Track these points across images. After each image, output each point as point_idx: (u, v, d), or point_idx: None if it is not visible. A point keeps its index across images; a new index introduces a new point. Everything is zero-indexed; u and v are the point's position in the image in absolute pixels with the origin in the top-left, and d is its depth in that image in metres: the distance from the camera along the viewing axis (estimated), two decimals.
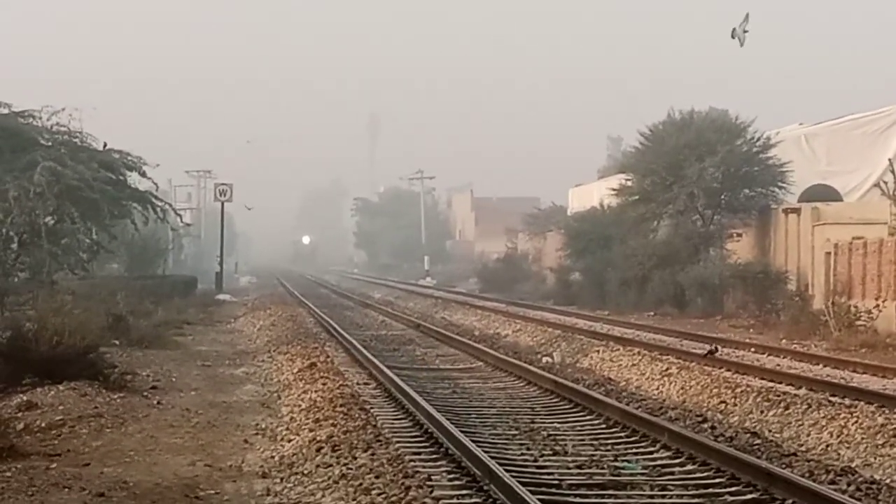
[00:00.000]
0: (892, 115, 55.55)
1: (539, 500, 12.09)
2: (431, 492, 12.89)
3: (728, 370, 28.29)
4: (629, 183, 58.91)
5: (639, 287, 53.61)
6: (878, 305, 36.98)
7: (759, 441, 18.27)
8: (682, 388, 25.93)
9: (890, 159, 48.41)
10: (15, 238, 38.29)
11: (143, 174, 45.40)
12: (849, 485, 14.26)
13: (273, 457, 16.72)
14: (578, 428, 20.02)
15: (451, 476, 14.52)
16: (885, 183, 45.24)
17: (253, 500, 13.55)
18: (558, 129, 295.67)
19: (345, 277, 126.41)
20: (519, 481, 13.05)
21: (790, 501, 12.82)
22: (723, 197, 52.70)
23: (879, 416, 19.71)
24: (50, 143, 41.37)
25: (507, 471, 13.77)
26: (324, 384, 24.81)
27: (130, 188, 45.78)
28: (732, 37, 35.43)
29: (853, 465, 16.54)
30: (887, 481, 15.14)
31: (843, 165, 56.51)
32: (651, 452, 16.89)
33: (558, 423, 20.65)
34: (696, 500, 13.48)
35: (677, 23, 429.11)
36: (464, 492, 13.57)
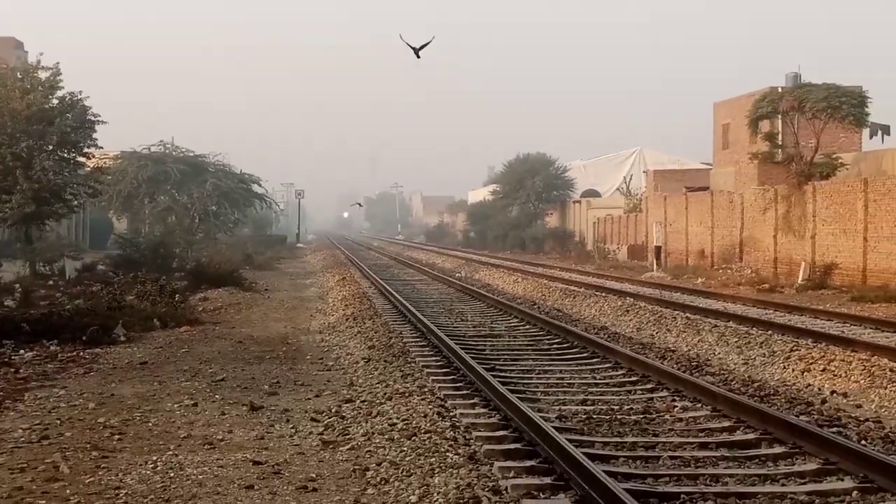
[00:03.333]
0: (623, 155, 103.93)
1: (453, 341, 18.92)
2: (402, 338, 20.68)
3: (546, 279, 41.99)
4: (498, 189, 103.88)
5: (503, 239, 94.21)
6: (617, 247, 66.10)
7: (561, 314, 27.92)
8: (524, 288, 39.45)
9: (624, 177, 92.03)
10: (196, 217, 66.44)
11: (259, 184, 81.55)
12: (605, 335, 22.28)
13: (324, 323, 25.39)
14: (473, 309, 29.76)
15: (412, 331, 22.63)
16: (619, 189, 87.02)
17: (314, 343, 21.33)
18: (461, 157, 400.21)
19: (361, 235, 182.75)
20: (444, 332, 20.84)
21: (576, 342, 20.05)
22: (543, 195, 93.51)
23: (619, 300, 29.54)
24: (213, 170, 71.19)
25: (438, 328, 21.67)
26: (348, 287, 37.24)
27: (253, 192, 79.45)
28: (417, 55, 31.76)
29: (607, 325, 24.95)
30: (620, 330, 23.46)
31: (601, 180, 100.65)
32: (508, 320, 26.02)
33: (464, 306, 30.67)
34: (529, 341, 21.16)
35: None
36: (418, 338, 21.26)
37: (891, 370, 15.81)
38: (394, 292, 32.94)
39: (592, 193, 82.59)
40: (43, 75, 37.26)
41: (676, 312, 25.80)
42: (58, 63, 37.44)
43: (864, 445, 10.70)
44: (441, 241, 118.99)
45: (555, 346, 20.15)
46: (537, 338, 21.51)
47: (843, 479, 9.62)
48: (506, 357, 18.40)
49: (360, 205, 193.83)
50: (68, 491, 9.40)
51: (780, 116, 47.52)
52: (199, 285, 34.80)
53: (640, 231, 61.93)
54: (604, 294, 32.31)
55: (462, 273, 50.69)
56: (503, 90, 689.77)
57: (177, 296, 29.28)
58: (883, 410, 13.66)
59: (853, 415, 13.28)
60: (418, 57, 32.37)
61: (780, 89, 47.91)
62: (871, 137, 49.91)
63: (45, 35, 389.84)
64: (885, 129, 50.96)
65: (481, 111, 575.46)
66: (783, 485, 9.66)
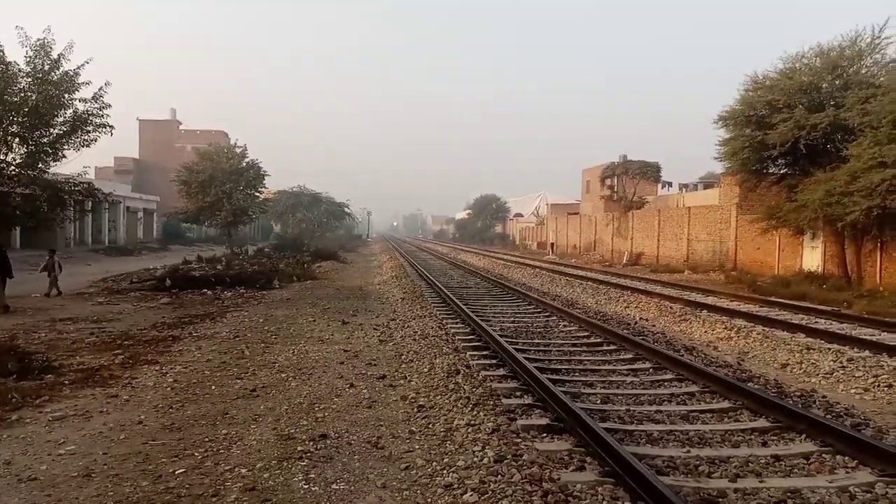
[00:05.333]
0: (535, 195, 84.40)
1: (446, 290, 19.03)
2: (420, 288, 20.40)
3: (494, 258, 41.91)
4: (470, 212, 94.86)
5: (472, 239, 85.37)
6: (531, 243, 62.33)
7: (502, 276, 26.69)
8: (483, 263, 37.56)
9: (536, 206, 79.46)
10: (315, 224, 64.96)
11: (348, 207, 73.90)
12: (524, 287, 21.57)
13: (380, 281, 24.74)
14: (457, 273, 28.99)
15: (425, 285, 21.90)
16: (533, 213, 77.93)
17: (375, 290, 20.96)
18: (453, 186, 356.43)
19: (400, 235, 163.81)
20: (441, 285, 20.60)
21: (509, 290, 19.80)
22: (494, 215, 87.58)
23: (531, 270, 29.07)
24: (324, 199, 68.68)
25: (438, 283, 21.40)
26: (394, 261, 35.91)
27: (344, 211, 73.25)
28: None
29: (525, 282, 24.43)
30: (532, 284, 22.71)
31: (524, 208, 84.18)
32: (474, 279, 25.02)
33: (452, 272, 29.74)
34: (485, 290, 20.51)
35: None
36: (428, 288, 20.70)
37: (670, 308, 15.94)
38: (416, 264, 33.06)
39: (519, 215, 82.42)
40: (238, 150, 37.35)
41: (561, 277, 25.63)
42: (245, 144, 37.58)
43: (657, 345, 10.59)
44: (441, 239, 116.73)
45: (499, 292, 20.00)
46: (489, 288, 21.29)
47: (645, 362, 9.66)
48: (474, 298, 18.29)
49: (395, 224, 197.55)
50: (249, 363, 9.48)
51: (616, 177, 47.88)
52: (317, 260, 34.46)
53: (543, 234, 61.73)
54: (524, 267, 32.16)
55: (451, 255, 49.71)
56: (467, 142, 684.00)
57: (305, 265, 29.36)
58: (665, 327, 13.78)
59: (650, 329, 13.35)
60: None
61: (615, 163, 48.02)
62: (662, 188, 49.99)
63: (237, 125, 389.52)
64: (669, 184, 51.18)
65: (460, 156, 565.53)
66: (614, 364, 9.64)
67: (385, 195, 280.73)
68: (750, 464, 5.62)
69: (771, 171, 23.97)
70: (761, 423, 6.73)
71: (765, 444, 6.16)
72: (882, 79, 20.64)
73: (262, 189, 41.22)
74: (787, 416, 6.68)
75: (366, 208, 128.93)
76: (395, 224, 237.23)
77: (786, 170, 23.47)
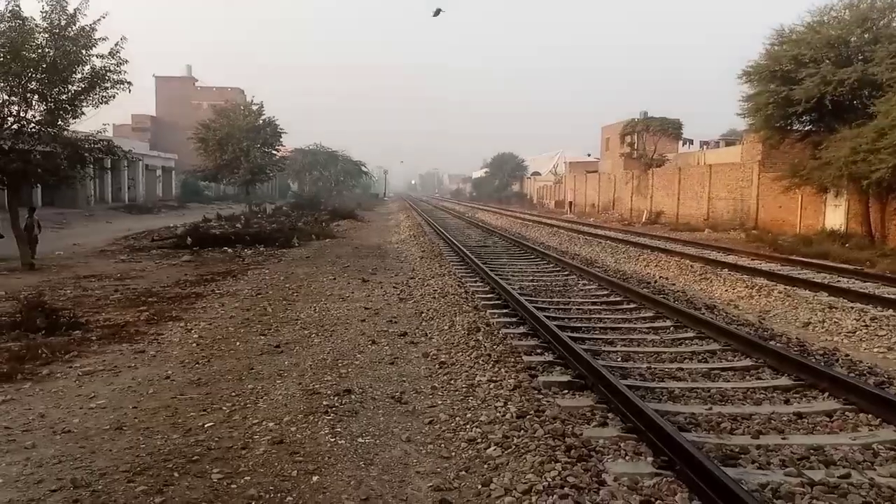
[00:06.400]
0: (553, 153, 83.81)
1: (465, 248, 18.85)
2: (438, 247, 20.33)
3: (512, 217, 41.85)
4: (488, 170, 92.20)
5: (489, 197, 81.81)
6: (549, 202, 60.21)
7: (520, 235, 26.38)
8: (501, 222, 36.80)
9: (554, 165, 77.94)
10: (333, 183, 67.13)
11: (364, 166, 77.05)
12: (542, 246, 21.34)
13: (398, 238, 24.89)
14: (474, 232, 28.99)
15: (444, 243, 21.89)
16: (551, 171, 75.97)
17: (394, 249, 20.94)
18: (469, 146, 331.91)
19: (417, 194, 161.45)
20: (460, 243, 20.43)
21: (528, 249, 19.62)
22: (511, 174, 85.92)
23: (549, 229, 29.19)
24: (341, 158, 69.18)
25: (456, 241, 21.28)
26: (411, 220, 35.80)
27: (361, 170, 76.43)
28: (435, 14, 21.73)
29: (544, 241, 24.18)
30: (550, 244, 22.60)
31: (541, 166, 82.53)
32: (493, 238, 24.86)
33: (469, 230, 29.75)
34: (504, 249, 20.35)
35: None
36: (446, 246, 20.58)
37: (690, 266, 15.86)
38: (433, 222, 33.04)
39: (536, 173, 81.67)
40: (254, 107, 37.22)
41: (579, 235, 25.55)
42: (261, 101, 37.48)
43: (678, 303, 10.62)
44: (458, 198, 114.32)
45: (518, 251, 19.89)
46: (507, 247, 21.18)
47: (665, 320, 9.62)
48: (492, 257, 18.23)
49: (414, 182, 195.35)
50: (272, 320, 9.58)
51: (636, 134, 47.24)
52: (334, 219, 34.61)
53: (561, 193, 61.25)
54: (542, 226, 32.03)
55: (469, 214, 49.35)
56: (488, 101, 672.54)
57: (323, 223, 29.50)
58: (686, 286, 13.73)
59: (670, 287, 13.30)
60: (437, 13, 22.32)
61: (636, 119, 47.36)
62: (683, 145, 49.34)
63: (255, 83, 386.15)
64: (690, 141, 50.57)
65: (475, 116, 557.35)
66: (634, 322, 9.66)
67: (402, 154, 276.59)
68: (772, 421, 5.61)
69: (795, 127, 23.59)
70: (783, 381, 6.71)
71: (787, 402, 6.15)
72: None
73: (280, 147, 41.20)
74: (809, 374, 6.66)
75: (382, 166, 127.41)
76: (413, 182, 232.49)
77: (810, 126, 23.08)
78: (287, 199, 62.12)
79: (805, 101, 20.91)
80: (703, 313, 10.12)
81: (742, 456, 4.88)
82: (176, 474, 4.39)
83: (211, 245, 19.99)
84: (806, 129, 23.35)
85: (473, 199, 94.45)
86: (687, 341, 8.48)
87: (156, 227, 26.80)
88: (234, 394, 6.14)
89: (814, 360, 7.33)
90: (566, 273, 15.00)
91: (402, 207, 62.24)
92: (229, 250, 19.39)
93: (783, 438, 5.24)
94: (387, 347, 8.00)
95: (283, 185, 75.11)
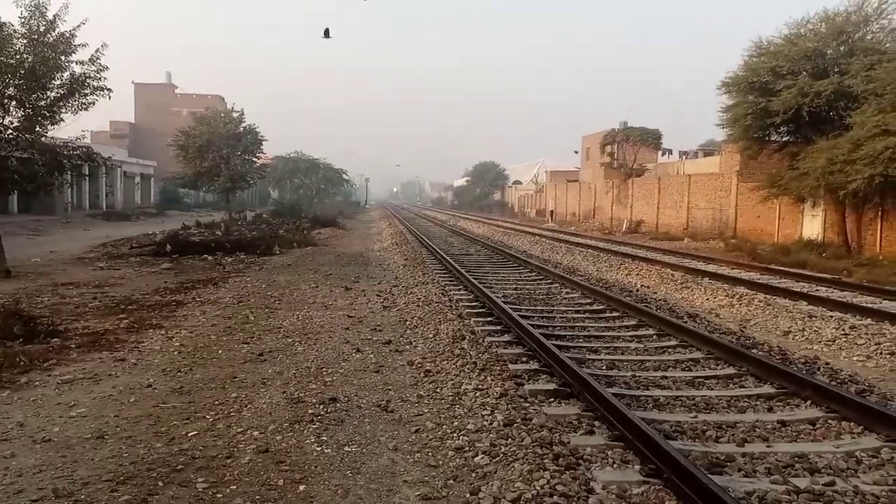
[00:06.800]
0: (535, 162, 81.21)
1: (448, 256, 18.86)
2: (421, 255, 20.20)
3: (493, 226, 42.74)
4: (469, 179, 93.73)
5: (471, 206, 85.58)
6: (530, 210, 61.98)
7: (503, 244, 26.57)
8: (483, 231, 37.39)
9: (534, 174, 75.45)
10: (314, 190, 66.88)
11: (346, 173, 76.06)
12: (525, 255, 21.40)
13: (381, 246, 24.84)
14: (457, 240, 29.01)
15: (426, 251, 21.67)
16: (532, 180, 74.37)
17: (376, 256, 20.87)
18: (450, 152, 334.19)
19: (399, 202, 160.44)
20: (443, 252, 20.38)
21: (510, 258, 19.80)
22: (492, 182, 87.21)
23: (531, 237, 29.27)
24: (322, 166, 69.90)
25: (439, 249, 21.19)
26: (393, 228, 35.71)
27: (343, 178, 75.45)
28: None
29: (526, 250, 24.17)
30: (533, 252, 22.65)
31: (523, 175, 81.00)
32: (475, 246, 24.80)
33: (452, 239, 29.83)
34: (486, 257, 20.39)
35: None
36: (429, 255, 20.47)
37: (671, 275, 15.98)
38: (415, 230, 33.01)
39: (517, 182, 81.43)
40: (235, 114, 37.03)
41: (561, 244, 25.59)
42: (242, 108, 37.28)
43: (660, 312, 10.63)
44: (440, 206, 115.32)
45: (500, 260, 19.93)
46: (490, 255, 21.22)
47: (648, 328, 9.67)
48: (475, 265, 18.23)
49: (395, 190, 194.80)
50: (254, 328, 9.49)
51: (616, 144, 47.64)
52: (316, 226, 34.36)
53: (542, 202, 61.63)
54: (523, 234, 32.13)
55: (451, 223, 49.51)
56: (465, 109, 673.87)
57: (304, 231, 29.37)
58: (667, 294, 13.81)
59: (652, 296, 13.39)
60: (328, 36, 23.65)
61: (616, 130, 47.81)
62: (662, 155, 49.80)
63: (232, 90, 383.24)
64: (670, 152, 51.04)
65: (459, 123, 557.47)
66: (618, 331, 9.70)
67: (382, 162, 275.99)
68: (756, 429, 5.66)
69: (773, 138, 23.90)
70: (766, 389, 6.77)
71: (770, 410, 6.21)
72: (888, 45, 20.48)
73: (260, 154, 41.00)
74: (792, 383, 6.73)
75: (363, 174, 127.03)
76: (395, 190, 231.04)
77: (788, 137, 23.40)
78: (267, 206, 61.77)
79: (783, 112, 21.20)
80: (686, 322, 10.19)
81: (728, 464, 4.91)
82: (160, 484, 4.32)
83: (191, 252, 19.78)
84: (783, 139, 23.67)
85: (455, 208, 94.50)
86: (670, 349, 8.54)
87: (134, 235, 26.49)
88: (217, 402, 6.07)
89: (795, 369, 7.40)
90: (549, 281, 15.03)
91: (383, 215, 62.17)
92: (209, 258, 19.20)
93: (768, 446, 5.27)
94: (371, 356, 7.96)
95: (264, 192, 74.71)
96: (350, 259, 20.02)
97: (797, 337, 9.91)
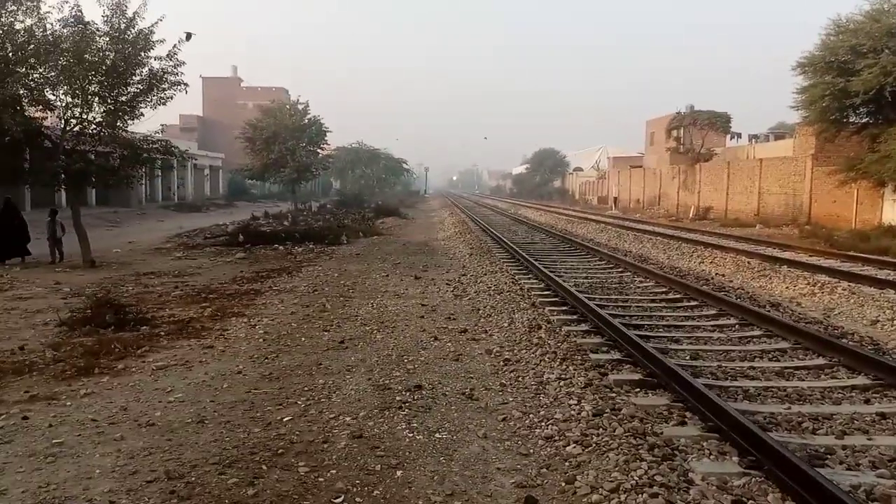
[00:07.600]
0: (595, 148, 79.31)
1: (514, 245, 18.86)
2: (486, 244, 20.17)
3: (556, 214, 41.29)
4: (528, 166, 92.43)
5: (530, 194, 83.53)
6: (591, 198, 60.35)
7: (567, 231, 26.23)
8: (545, 219, 36.53)
9: (596, 160, 74.29)
10: (375, 180, 67.95)
11: (406, 163, 77.84)
12: (592, 242, 21.14)
13: (444, 236, 24.71)
14: (520, 229, 28.82)
15: (491, 240, 21.62)
16: (593, 167, 73.12)
17: (441, 245, 20.96)
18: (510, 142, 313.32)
19: (457, 191, 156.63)
20: (508, 240, 20.36)
21: (578, 246, 19.57)
22: (552, 169, 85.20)
23: (596, 225, 28.72)
24: (383, 156, 71.11)
25: (504, 238, 21.15)
26: (455, 217, 35.51)
27: (403, 167, 77.38)
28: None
29: (591, 237, 23.87)
30: (599, 240, 22.31)
31: (584, 162, 79.67)
32: (539, 235, 24.63)
33: (515, 227, 29.62)
34: (553, 246, 20.22)
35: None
36: (494, 243, 20.39)
37: (747, 263, 15.57)
38: (478, 219, 32.97)
39: (578, 169, 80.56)
40: (300, 107, 37.60)
41: (627, 231, 25.20)
42: (307, 100, 37.84)
43: (740, 301, 10.34)
44: (498, 195, 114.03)
45: (567, 248, 19.72)
46: (555, 244, 21.00)
47: (729, 318, 9.45)
48: (542, 254, 18.08)
49: (454, 178, 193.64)
50: (332, 316, 9.67)
51: (682, 128, 46.52)
52: (379, 216, 34.77)
53: (604, 189, 60.71)
54: (587, 222, 31.66)
55: (511, 211, 48.94)
56: (526, 95, 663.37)
57: (369, 221, 29.72)
58: (744, 283, 13.46)
59: (729, 284, 13.08)
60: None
61: (683, 113, 46.69)
62: (731, 139, 48.45)
63: (299, 83, 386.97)
64: (738, 135, 49.60)
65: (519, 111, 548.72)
66: (697, 320, 9.50)
67: (442, 150, 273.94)
68: (855, 421, 5.48)
69: (851, 120, 22.98)
70: (861, 380, 6.55)
71: (868, 402, 6.00)
72: None
73: (324, 146, 41.55)
74: (888, 374, 6.48)
75: (423, 163, 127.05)
76: (454, 178, 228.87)
77: (868, 119, 22.46)
78: (330, 196, 62.75)
79: (863, 93, 20.34)
80: (769, 310, 9.90)
81: (828, 456, 4.77)
82: (264, 467, 4.46)
83: (262, 242, 20.26)
84: (863, 121, 22.72)
85: (514, 196, 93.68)
86: (755, 339, 8.32)
87: (206, 226, 27.29)
88: (306, 388, 6.21)
89: (891, 359, 7.12)
90: (620, 270, 14.82)
91: (443, 205, 62.26)
92: (280, 248, 19.62)
93: (869, 439, 5.11)
94: (449, 344, 8.01)
95: (326, 183, 75.81)
96: (416, 248, 20.11)
97: (886, 327, 9.49)
